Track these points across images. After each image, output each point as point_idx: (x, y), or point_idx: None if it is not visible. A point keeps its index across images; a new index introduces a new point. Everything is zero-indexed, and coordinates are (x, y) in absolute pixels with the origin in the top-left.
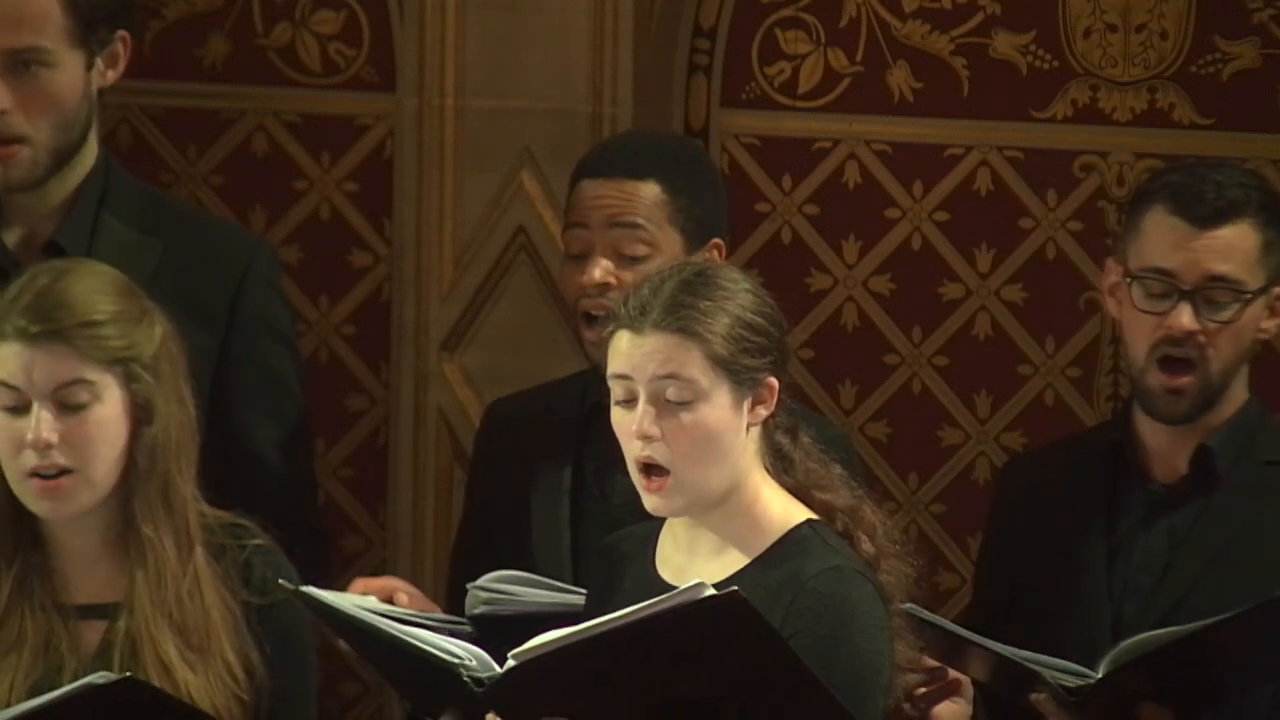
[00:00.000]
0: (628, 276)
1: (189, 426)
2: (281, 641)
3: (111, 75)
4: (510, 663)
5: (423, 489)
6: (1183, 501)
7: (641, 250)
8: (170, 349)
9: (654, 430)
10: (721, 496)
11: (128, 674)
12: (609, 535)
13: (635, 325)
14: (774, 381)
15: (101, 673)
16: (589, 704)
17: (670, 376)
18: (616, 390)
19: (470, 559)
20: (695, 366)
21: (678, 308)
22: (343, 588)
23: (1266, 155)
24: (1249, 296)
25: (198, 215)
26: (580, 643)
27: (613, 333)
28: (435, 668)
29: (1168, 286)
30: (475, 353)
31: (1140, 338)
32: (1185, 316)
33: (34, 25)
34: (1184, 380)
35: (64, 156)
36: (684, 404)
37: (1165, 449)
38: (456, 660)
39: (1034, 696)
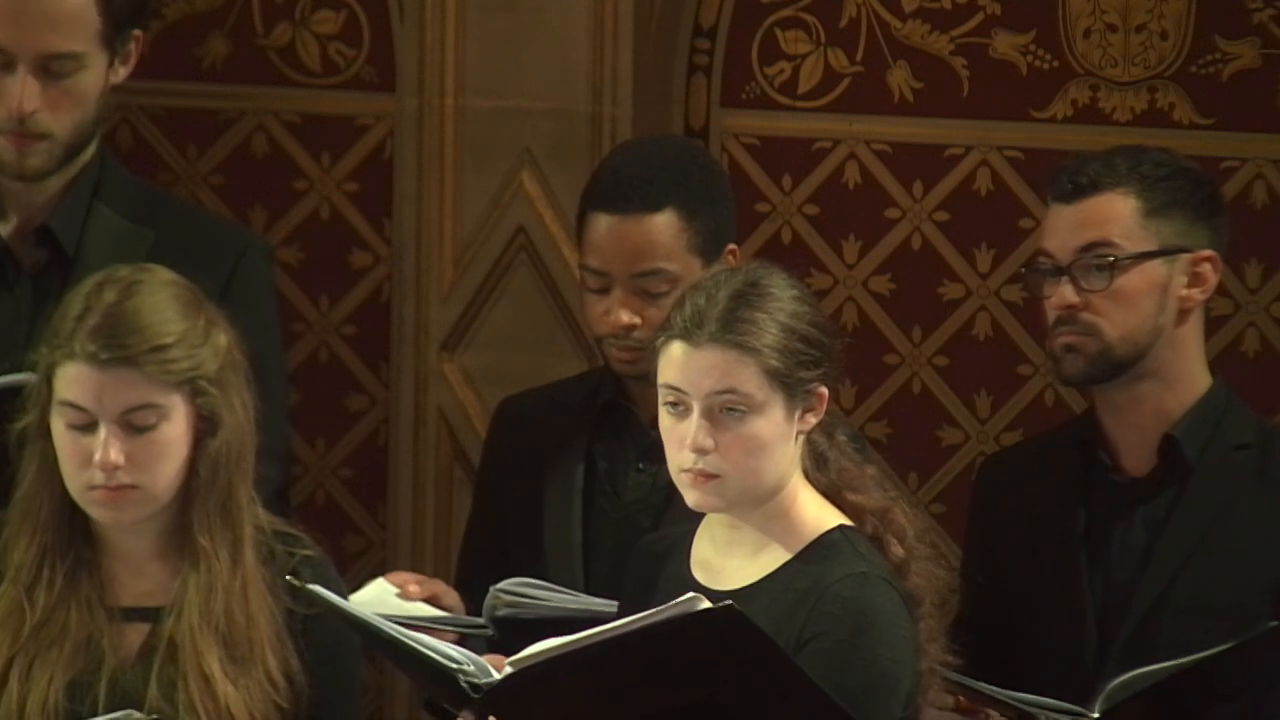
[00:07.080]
0: (652, 313)
1: (249, 430)
2: (324, 651)
3: (123, 72)
4: (508, 669)
5: (423, 489)
6: (1155, 492)
7: (664, 288)
8: (234, 356)
9: (708, 443)
10: (765, 497)
11: (154, 717)
12: (646, 537)
13: (691, 337)
14: (824, 391)
15: (129, 711)
16: (586, 711)
17: (727, 391)
18: (667, 398)
19: (479, 558)
20: (751, 381)
21: (734, 321)
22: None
23: (1266, 155)
24: (1124, 260)
25: (192, 209)
26: (577, 651)
27: (666, 341)
28: (436, 670)
29: (1050, 266)
30: (475, 353)
31: (1047, 323)
32: (1066, 291)
33: (71, 29)
34: (1077, 339)
35: (75, 151)
36: (739, 417)
37: (1131, 442)
38: (455, 665)
39: None
